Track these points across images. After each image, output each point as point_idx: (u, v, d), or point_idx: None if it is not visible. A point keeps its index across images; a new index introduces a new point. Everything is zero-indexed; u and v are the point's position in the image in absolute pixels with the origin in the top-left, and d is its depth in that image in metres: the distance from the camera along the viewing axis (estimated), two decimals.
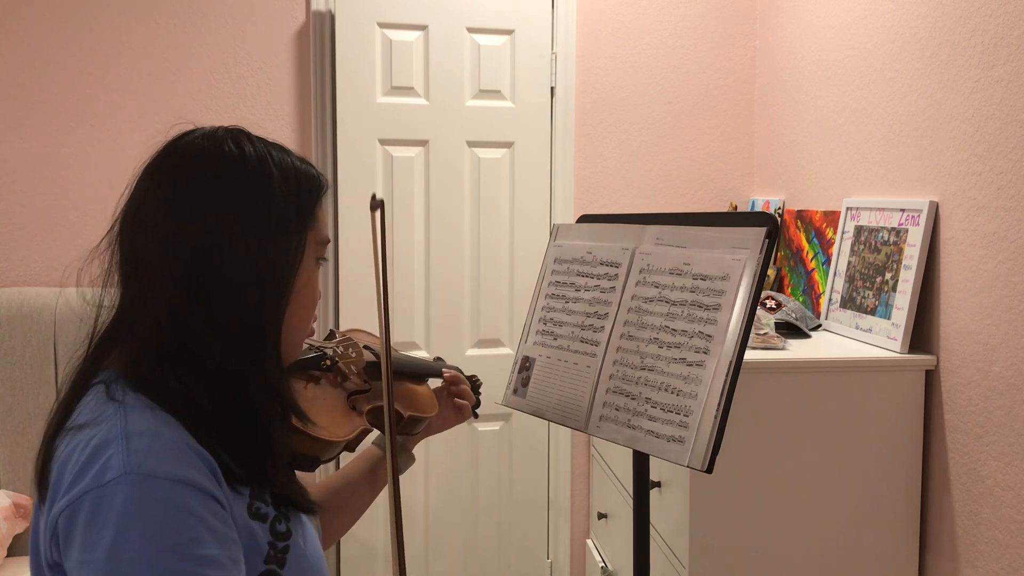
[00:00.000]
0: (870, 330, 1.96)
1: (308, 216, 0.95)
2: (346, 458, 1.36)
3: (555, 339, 1.52)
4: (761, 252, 1.26)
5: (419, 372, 1.40)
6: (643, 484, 1.47)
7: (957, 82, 1.77)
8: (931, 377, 1.83)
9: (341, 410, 1.18)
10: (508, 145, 2.77)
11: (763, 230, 1.27)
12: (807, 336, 2.07)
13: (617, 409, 1.36)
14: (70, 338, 2.41)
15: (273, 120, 2.69)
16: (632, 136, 2.88)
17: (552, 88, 2.80)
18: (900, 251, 1.91)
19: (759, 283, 1.26)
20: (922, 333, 1.87)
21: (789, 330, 2.06)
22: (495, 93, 2.75)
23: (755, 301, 1.25)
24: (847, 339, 2.04)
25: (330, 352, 1.22)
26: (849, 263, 2.11)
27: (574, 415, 1.43)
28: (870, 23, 2.13)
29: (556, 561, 2.90)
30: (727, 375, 1.23)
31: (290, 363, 0.99)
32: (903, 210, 1.92)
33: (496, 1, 2.72)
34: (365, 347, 1.30)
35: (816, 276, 2.38)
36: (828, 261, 2.28)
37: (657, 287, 1.38)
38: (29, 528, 2.31)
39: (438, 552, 2.81)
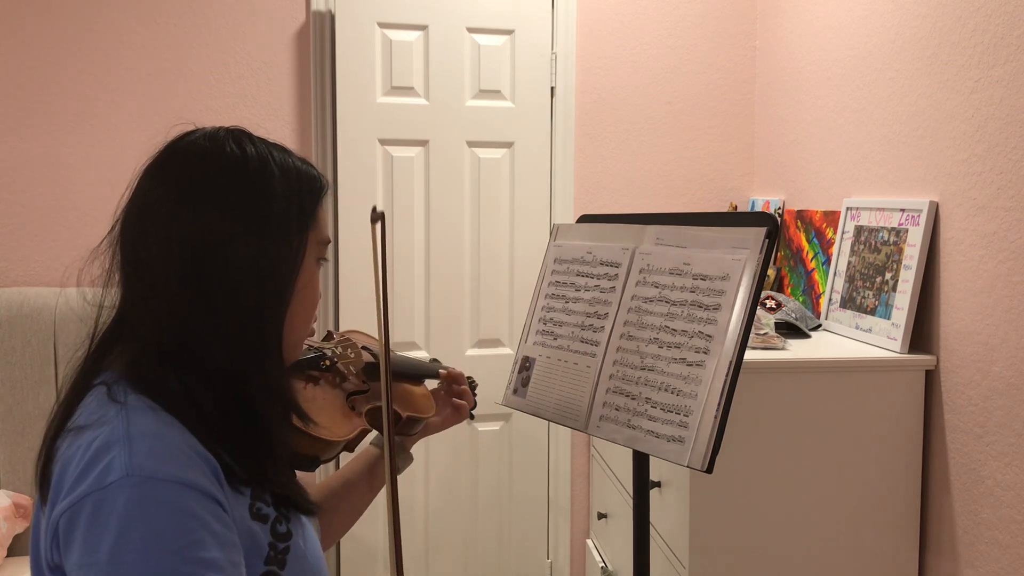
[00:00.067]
0: (870, 330, 1.96)
1: (309, 216, 0.95)
2: (345, 458, 1.36)
3: (555, 339, 1.52)
4: (761, 252, 1.26)
5: (416, 373, 1.41)
6: (643, 484, 1.47)
7: (957, 82, 1.77)
8: (931, 377, 1.83)
9: (340, 410, 1.18)
10: (508, 145, 2.77)
11: (763, 230, 1.27)
12: (807, 336, 2.07)
13: (617, 409, 1.36)
14: (70, 338, 2.41)
15: (273, 120, 2.69)
16: (632, 136, 2.88)
17: (552, 88, 2.80)
18: (900, 251, 1.91)
19: (759, 283, 1.26)
20: (922, 333, 1.87)
21: (789, 330, 2.06)
22: (495, 93, 2.75)
23: (755, 301, 1.26)
24: (847, 339, 2.04)
25: (329, 353, 1.22)
26: (849, 263, 2.11)
27: (574, 415, 1.43)
28: (870, 23, 2.13)
29: (556, 561, 2.90)
30: (727, 375, 1.23)
31: (291, 363, 0.99)
32: (903, 210, 1.92)
33: (496, 1, 2.72)
34: (363, 348, 1.30)
35: (816, 276, 2.38)
36: (828, 261, 2.28)
37: (657, 287, 1.38)
38: (29, 528, 2.31)
39: (438, 552, 2.81)
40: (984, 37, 1.69)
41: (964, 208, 1.75)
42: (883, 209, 2.00)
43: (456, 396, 1.41)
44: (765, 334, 1.91)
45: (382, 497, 1.32)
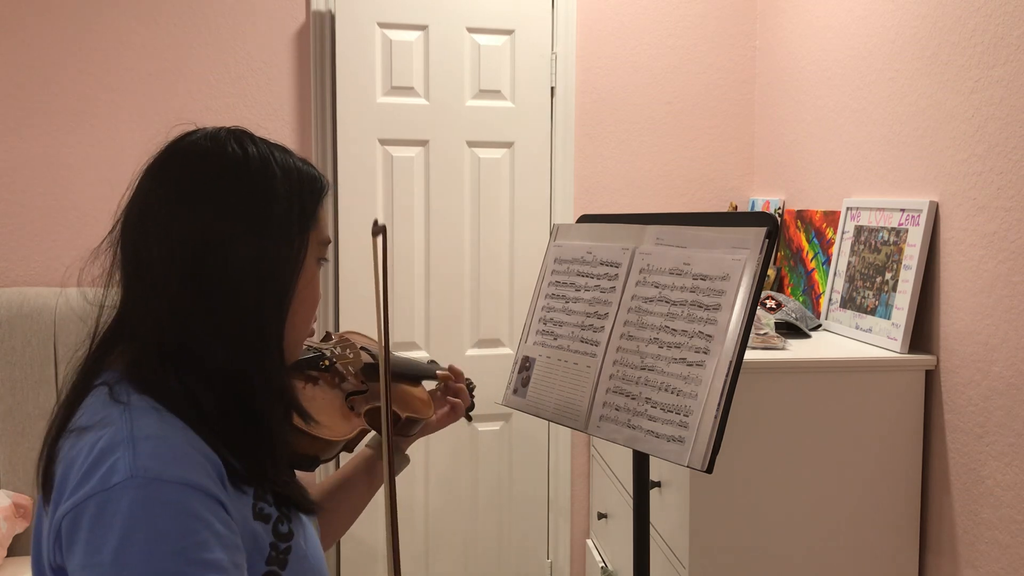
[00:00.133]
0: (870, 330, 1.96)
1: (310, 217, 0.95)
2: (344, 458, 1.36)
3: (555, 339, 1.52)
4: (761, 252, 1.27)
5: (415, 374, 1.42)
6: (643, 484, 1.47)
7: (957, 82, 1.77)
8: (931, 377, 1.83)
9: (340, 410, 1.18)
10: (508, 145, 2.77)
11: (763, 230, 1.27)
12: (807, 336, 2.07)
13: (617, 409, 1.36)
14: (70, 338, 2.41)
15: (273, 120, 2.69)
16: (632, 136, 2.88)
17: (552, 88, 2.80)
18: (900, 251, 1.91)
19: (759, 283, 1.26)
20: (922, 333, 1.87)
21: (789, 330, 2.06)
22: (495, 93, 2.75)
23: (755, 301, 1.26)
24: (847, 339, 2.04)
25: (328, 353, 1.23)
26: (849, 263, 2.11)
27: (574, 415, 1.43)
28: (870, 23, 2.13)
29: (556, 561, 2.90)
30: (727, 375, 1.23)
31: (291, 363, 0.99)
32: (903, 210, 1.92)
33: (496, 1, 2.72)
34: (362, 348, 1.30)
35: (816, 276, 2.38)
36: (828, 261, 2.28)
37: (657, 287, 1.38)
38: (29, 528, 2.32)
39: (438, 552, 2.81)
40: (984, 37, 1.69)
41: (964, 208, 1.75)
42: (883, 209, 2.00)
43: (452, 394, 1.41)
44: (765, 334, 1.91)
45: (381, 497, 1.32)
